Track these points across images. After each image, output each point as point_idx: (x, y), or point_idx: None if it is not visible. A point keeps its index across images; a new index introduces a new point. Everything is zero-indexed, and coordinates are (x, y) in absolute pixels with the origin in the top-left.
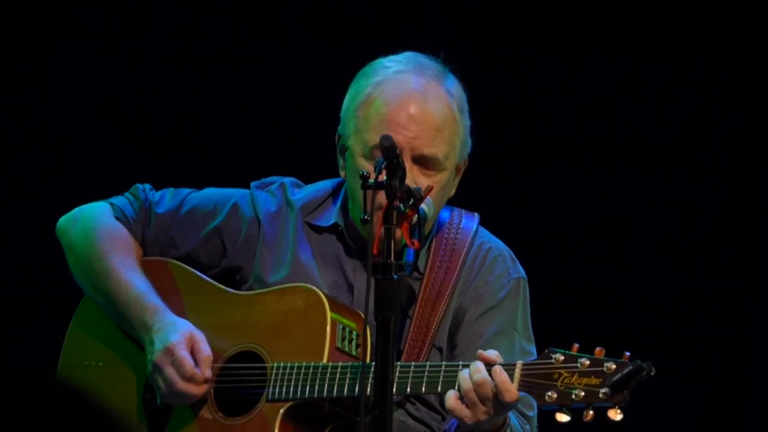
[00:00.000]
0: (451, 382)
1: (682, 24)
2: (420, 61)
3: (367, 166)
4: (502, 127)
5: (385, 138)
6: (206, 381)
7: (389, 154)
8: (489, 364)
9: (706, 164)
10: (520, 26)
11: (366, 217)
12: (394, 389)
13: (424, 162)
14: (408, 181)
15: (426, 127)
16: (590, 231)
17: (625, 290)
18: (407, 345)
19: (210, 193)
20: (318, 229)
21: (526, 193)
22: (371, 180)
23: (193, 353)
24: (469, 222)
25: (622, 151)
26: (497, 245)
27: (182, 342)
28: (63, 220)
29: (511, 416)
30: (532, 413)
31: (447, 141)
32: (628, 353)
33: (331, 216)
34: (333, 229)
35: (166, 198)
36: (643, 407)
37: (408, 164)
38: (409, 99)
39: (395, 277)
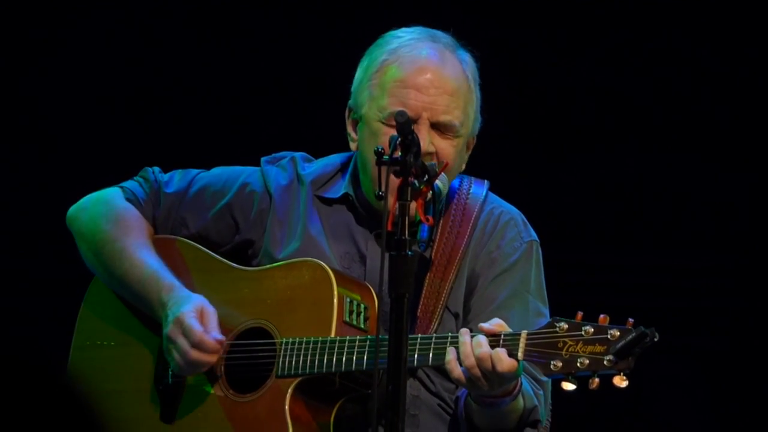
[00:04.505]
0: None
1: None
2: (432, 32)
3: (385, 131)
4: (515, 105)
5: (400, 114)
6: (216, 350)
7: (404, 129)
8: (494, 335)
9: (723, 139)
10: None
11: (380, 192)
12: None
13: (441, 128)
14: (427, 144)
15: (442, 92)
16: (604, 206)
17: (641, 265)
18: (420, 310)
19: (219, 171)
20: (328, 202)
21: (540, 170)
22: (386, 156)
23: (202, 324)
24: (478, 188)
25: (636, 126)
26: (508, 209)
27: (191, 312)
28: (72, 209)
29: (524, 381)
30: (546, 378)
31: (462, 108)
32: (631, 320)
33: (341, 187)
34: (343, 199)
35: (175, 178)
36: (657, 384)
37: (425, 128)
38: (426, 64)
39: (409, 253)
